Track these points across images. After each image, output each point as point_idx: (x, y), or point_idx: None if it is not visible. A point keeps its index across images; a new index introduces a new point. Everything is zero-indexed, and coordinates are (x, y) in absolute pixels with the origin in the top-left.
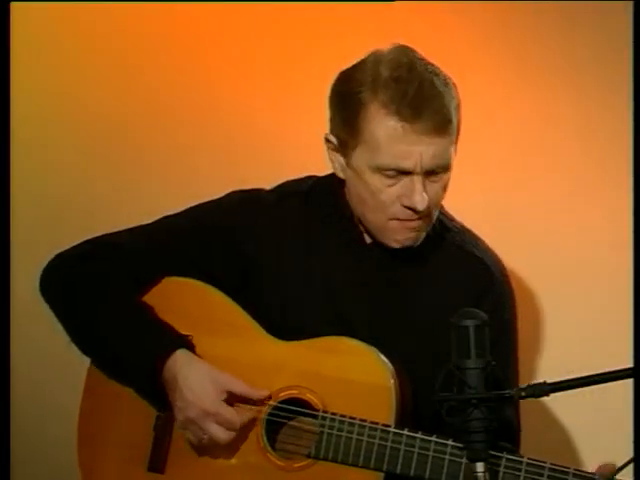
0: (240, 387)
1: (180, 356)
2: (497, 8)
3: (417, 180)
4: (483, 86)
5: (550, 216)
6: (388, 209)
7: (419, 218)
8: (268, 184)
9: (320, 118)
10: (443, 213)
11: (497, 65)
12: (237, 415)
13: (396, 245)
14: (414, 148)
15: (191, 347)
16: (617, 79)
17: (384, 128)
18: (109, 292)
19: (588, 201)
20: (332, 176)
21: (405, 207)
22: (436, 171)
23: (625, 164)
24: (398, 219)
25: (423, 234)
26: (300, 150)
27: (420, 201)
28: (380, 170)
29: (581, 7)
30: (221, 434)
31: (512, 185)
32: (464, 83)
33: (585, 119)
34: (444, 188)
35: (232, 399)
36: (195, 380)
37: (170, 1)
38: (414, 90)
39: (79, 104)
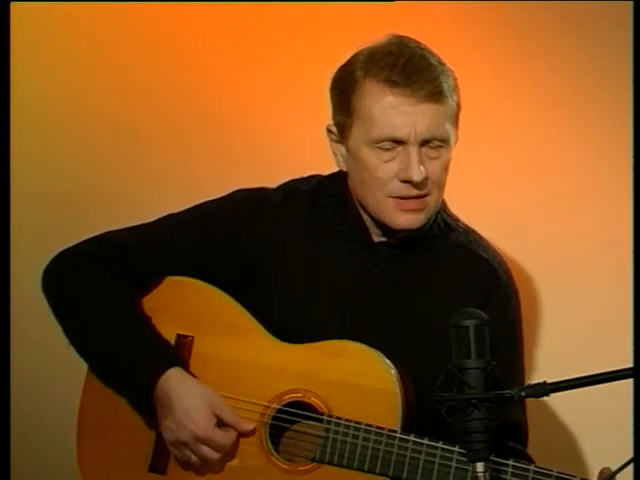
0: (229, 416)
1: (174, 374)
2: (496, 8)
3: (413, 151)
4: (483, 86)
5: (550, 216)
6: (386, 186)
7: (417, 197)
8: (271, 183)
9: (321, 117)
10: (448, 213)
11: (497, 65)
12: (227, 439)
13: (396, 227)
14: (407, 116)
15: (185, 365)
16: (617, 79)
17: (376, 99)
18: (108, 297)
19: (588, 201)
20: (337, 175)
21: (403, 182)
22: (433, 143)
23: (625, 164)
24: (396, 197)
25: (423, 217)
26: (302, 149)
27: (417, 172)
28: (376, 143)
29: (581, 7)
30: (210, 455)
31: (512, 185)
32: (464, 83)
33: (585, 119)
34: (444, 169)
35: (221, 422)
36: (189, 401)
37: (170, 1)
38: (404, 60)
39: (79, 104)
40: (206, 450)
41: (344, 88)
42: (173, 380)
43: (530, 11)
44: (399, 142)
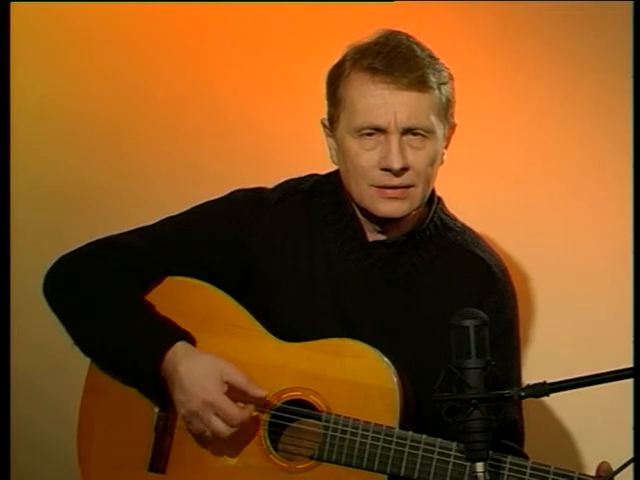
0: (239, 379)
1: (180, 348)
2: (497, 8)
3: (393, 139)
4: (483, 86)
5: (551, 216)
6: (368, 174)
7: (399, 187)
8: (270, 183)
9: (320, 117)
10: (445, 212)
11: (497, 65)
12: (237, 410)
13: (379, 215)
14: (388, 104)
15: (191, 340)
16: (617, 79)
17: (358, 87)
18: (110, 291)
19: (588, 201)
20: (334, 174)
21: (383, 170)
22: (414, 131)
23: (625, 164)
24: (377, 186)
25: (407, 207)
26: (301, 149)
27: (396, 160)
28: (358, 132)
29: (581, 7)
30: (222, 427)
31: (511, 184)
32: (464, 83)
33: (585, 119)
34: (430, 161)
35: (232, 392)
36: (196, 371)
37: (170, 1)
38: (389, 49)
39: (79, 105)
40: (215, 421)
41: (333, 80)
42: (180, 354)
43: (530, 11)
44: (380, 130)
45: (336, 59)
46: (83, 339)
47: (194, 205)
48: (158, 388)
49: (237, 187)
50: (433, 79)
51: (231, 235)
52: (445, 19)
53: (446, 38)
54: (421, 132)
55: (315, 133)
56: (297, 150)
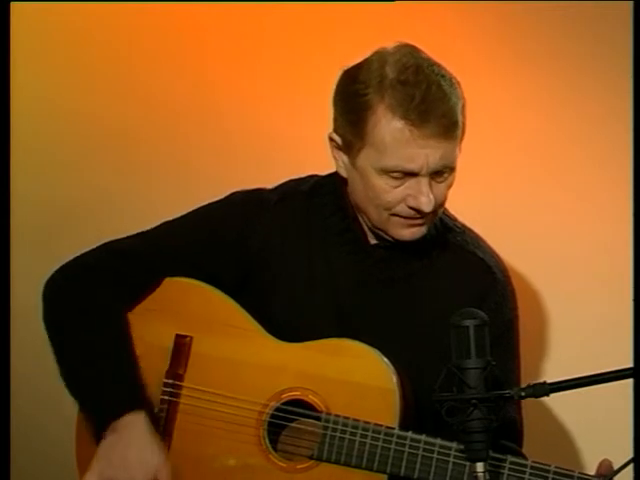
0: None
1: (138, 418)
2: (497, 8)
3: (424, 182)
4: (483, 87)
5: (551, 217)
6: (393, 208)
7: (422, 217)
8: (270, 184)
9: (321, 118)
10: (445, 213)
11: (497, 65)
12: None
13: (400, 239)
14: (421, 149)
15: (148, 407)
16: (617, 79)
17: (391, 131)
18: (98, 320)
19: (588, 202)
20: (334, 175)
21: (410, 207)
22: (442, 172)
23: (625, 164)
24: (401, 216)
25: (425, 228)
26: (301, 150)
27: (426, 202)
28: (386, 172)
29: (581, 7)
30: None
31: (512, 186)
32: (464, 84)
33: (585, 119)
34: (449, 187)
35: None
36: (138, 453)
37: (170, 1)
38: (421, 94)
39: (79, 105)
40: None
41: (354, 108)
42: (137, 424)
43: (530, 11)
44: (410, 173)
45: (336, 59)
46: (59, 360)
47: (194, 208)
48: (102, 433)
49: (237, 188)
50: (458, 112)
51: (232, 236)
52: (445, 19)
53: (446, 38)
54: (448, 170)
55: (315, 134)
56: (297, 151)
